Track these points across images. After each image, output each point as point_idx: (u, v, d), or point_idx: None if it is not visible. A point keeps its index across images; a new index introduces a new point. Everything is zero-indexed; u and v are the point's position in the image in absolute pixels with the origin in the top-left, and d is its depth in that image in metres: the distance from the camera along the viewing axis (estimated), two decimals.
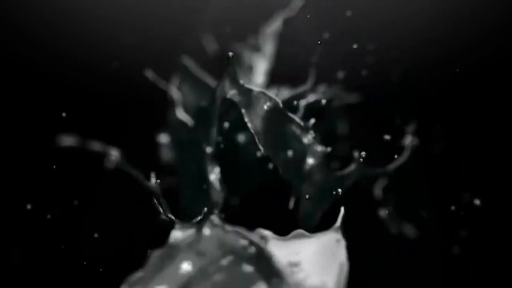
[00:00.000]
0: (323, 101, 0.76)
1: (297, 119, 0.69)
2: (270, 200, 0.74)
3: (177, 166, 0.76)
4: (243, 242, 0.56)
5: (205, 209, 0.66)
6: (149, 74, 0.78)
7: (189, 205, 0.72)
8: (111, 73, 0.82)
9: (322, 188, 0.71)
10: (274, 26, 0.83)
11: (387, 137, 0.76)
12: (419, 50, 0.82)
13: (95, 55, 0.84)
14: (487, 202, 0.77)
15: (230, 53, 0.65)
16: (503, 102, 0.81)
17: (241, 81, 0.67)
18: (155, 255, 0.56)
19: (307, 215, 0.71)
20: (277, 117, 0.68)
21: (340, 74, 0.82)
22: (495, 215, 0.78)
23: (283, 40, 0.83)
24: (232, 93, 0.67)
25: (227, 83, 0.67)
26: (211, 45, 0.85)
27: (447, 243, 0.78)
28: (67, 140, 0.70)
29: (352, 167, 0.70)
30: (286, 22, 0.82)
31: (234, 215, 0.64)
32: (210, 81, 0.77)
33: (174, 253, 0.56)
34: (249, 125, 0.67)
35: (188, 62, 0.78)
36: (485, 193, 0.77)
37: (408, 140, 0.75)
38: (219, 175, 0.69)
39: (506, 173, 0.80)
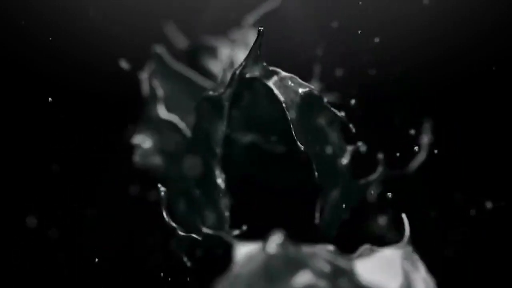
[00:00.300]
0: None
1: (337, 111, 0.61)
2: (279, 206, 0.72)
3: (169, 171, 0.70)
4: (317, 260, 0.49)
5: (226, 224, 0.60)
6: (124, 64, 0.77)
7: (187, 217, 0.65)
8: (111, 73, 0.82)
9: (348, 192, 0.65)
10: (256, 18, 0.78)
11: (387, 137, 0.76)
12: (419, 50, 0.82)
13: (95, 55, 0.84)
14: (487, 203, 0.77)
15: (261, 28, 0.59)
16: (504, 102, 0.81)
17: (265, 63, 0.60)
18: (221, 283, 0.48)
19: (329, 222, 0.65)
20: (314, 106, 0.60)
21: (339, 73, 0.82)
22: (495, 215, 0.78)
23: (282, 38, 0.82)
24: (254, 73, 0.60)
25: (250, 62, 0.59)
26: (178, 38, 0.82)
27: (445, 245, 0.78)
28: (139, 138, 0.68)
29: (380, 169, 0.67)
30: (285, 21, 0.82)
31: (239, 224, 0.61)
32: (195, 76, 0.73)
33: (241, 277, 0.48)
34: (286, 113, 0.59)
35: (162, 51, 0.74)
36: (485, 193, 0.77)
37: (425, 139, 0.74)
38: (224, 181, 0.62)
39: (506, 173, 0.80)
